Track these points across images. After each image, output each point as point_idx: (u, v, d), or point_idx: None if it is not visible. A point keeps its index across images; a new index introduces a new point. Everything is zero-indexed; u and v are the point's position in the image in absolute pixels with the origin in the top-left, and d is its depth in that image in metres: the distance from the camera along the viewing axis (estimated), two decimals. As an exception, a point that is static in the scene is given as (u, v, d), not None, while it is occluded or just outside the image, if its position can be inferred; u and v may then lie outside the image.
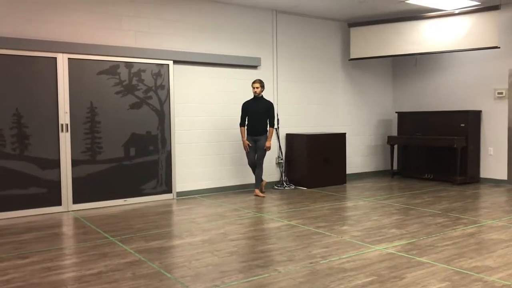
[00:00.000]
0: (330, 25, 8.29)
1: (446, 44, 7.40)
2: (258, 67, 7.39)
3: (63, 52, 5.69)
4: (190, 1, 6.68)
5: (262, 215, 5.43)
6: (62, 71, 5.70)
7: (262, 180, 6.82)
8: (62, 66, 5.69)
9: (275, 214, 5.49)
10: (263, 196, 6.64)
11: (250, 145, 6.62)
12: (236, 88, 7.17)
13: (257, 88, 6.56)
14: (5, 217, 5.35)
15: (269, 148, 6.64)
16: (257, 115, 6.59)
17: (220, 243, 4.22)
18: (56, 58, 5.65)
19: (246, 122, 6.69)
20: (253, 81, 6.68)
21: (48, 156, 5.63)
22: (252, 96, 6.76)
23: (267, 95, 7.42)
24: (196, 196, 6.77)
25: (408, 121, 8.52)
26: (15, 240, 4.39)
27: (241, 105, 6.74)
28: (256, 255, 3.81)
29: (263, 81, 6.72)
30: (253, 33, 7.36)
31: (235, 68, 7.15)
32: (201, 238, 4.40)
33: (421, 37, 7.60)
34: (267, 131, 6.67)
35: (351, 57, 8.27)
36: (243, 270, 3.44)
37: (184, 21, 6.66)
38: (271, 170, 7.63)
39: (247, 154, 6.70)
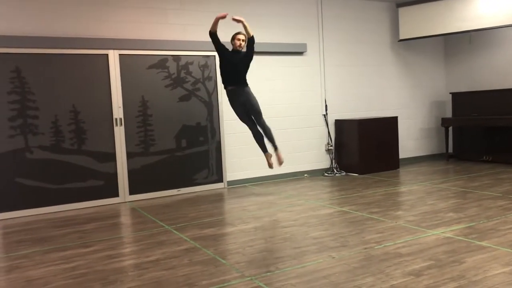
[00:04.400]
0: (377, 6, 8.05)
1: (502, 18, 6.99)
2: (304, 53, 7.31)
3: (114, 49, 5.87)
4: (233, -9, 6.70)
5: (313, 202, 5.41)
6: (114, 67, 5.89)
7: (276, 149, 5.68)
8: (113, 62, 5.89)
9: (327, 200, 5.45)
10: (282, 162, 5.71)
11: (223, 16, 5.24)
12: (282, 76, 7.14)
13: (242, 40, 5.45)
14: (68, 209, 5.64)
15: (238, 19, 5.29)
16: (236, 66, 5.45)
17: (273, 230, 4.25)
18: (107, 54, 5.85)
19: (221, 74, 5.63)
20: (236, 32, 5.51)
21: (105, 149, 5.86)
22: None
23: (314, 81, 7.35)
24: (246, 184, 6.83)
25: (463, 101, 8.15)
26: (78, 230, 4.62)
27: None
28: (309, 241, 3.81)
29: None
30: (298, 18, 7.27)
31: (280, 56, 7.11)
32: (254, 225, 4.45)
33: (474, 13, 7.23)
34: (247, 83, 5.61)
35: (401, 38, 8.01)
36: (297, 256, 3.44)
37: (227, 11, 6.67)
38: (320, 157, 7.57)
39: (239, 113, 5.65)
